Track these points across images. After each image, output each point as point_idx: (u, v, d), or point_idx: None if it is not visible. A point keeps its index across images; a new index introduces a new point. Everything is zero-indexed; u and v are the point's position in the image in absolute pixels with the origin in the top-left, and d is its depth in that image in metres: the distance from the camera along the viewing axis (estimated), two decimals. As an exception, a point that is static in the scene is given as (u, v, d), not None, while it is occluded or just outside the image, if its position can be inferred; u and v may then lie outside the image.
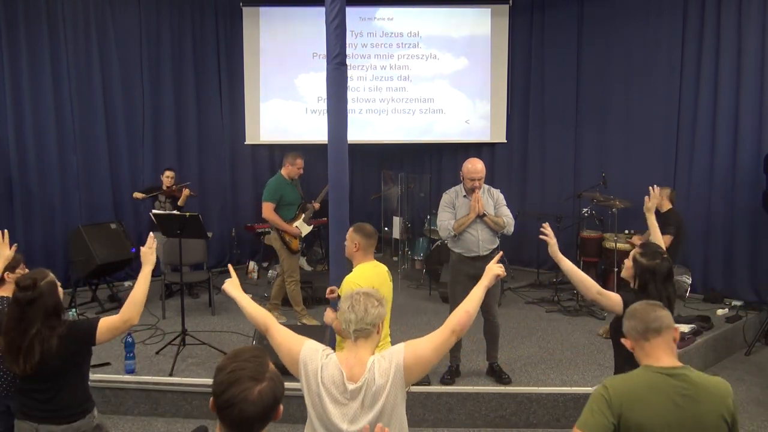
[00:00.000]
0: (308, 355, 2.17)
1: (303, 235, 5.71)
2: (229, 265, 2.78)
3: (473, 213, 4.30)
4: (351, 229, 3.33)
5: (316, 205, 6.02)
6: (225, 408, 1.39)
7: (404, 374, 2.13)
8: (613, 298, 2.91)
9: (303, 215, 5.74)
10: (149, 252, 2.75)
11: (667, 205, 5.91)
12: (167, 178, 6.73)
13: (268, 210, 5.53)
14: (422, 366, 2.18)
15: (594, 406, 2.03)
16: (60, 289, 2.65)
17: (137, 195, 6.74)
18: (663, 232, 5.88)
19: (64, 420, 2.60)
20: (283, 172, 5.67)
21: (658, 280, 2.81)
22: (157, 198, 6.73)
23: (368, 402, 2.09)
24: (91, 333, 2.60)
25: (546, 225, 3.19)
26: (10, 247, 3.04)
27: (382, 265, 3.38)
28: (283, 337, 2.25)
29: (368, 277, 3.17)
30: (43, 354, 2.48)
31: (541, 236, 3.18)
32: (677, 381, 2.01)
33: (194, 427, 2.25)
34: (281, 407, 1.49)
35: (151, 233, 2.88)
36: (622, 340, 2.17)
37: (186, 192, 6.73)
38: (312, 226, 5.92)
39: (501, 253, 2.57)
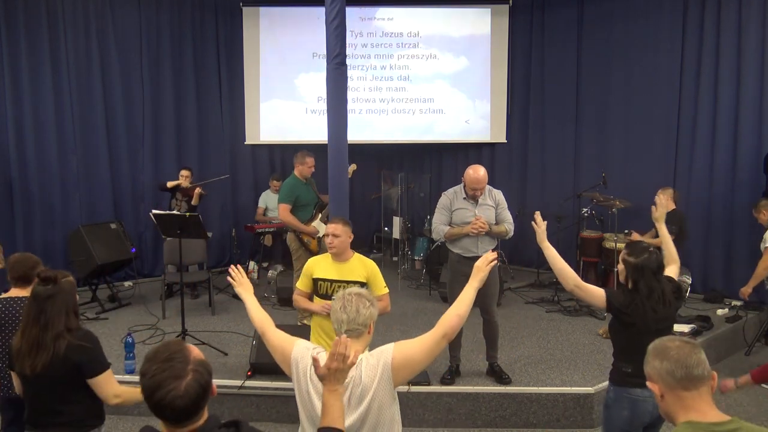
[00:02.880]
0: (299, 353, 2.21)
1: (321, 235, 5.65)
2: (234, 268, 2.69)
3: (468, 230, 4.33)
4: (342, 223, 3.47)
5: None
6: (157, 409, 1.47)
7: (392, 374, 2.11)
8: (594, 293, 2.91)
9: (320, 215, 5.69)
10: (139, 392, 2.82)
11: (671, 206, 5.92)
12: (182, 177, 6.74)
13: (284, 212, 5.48)
14: (411, 367, 2.15)
15: None
16: (77, 295, 2.63)
17: (171, 184, 6.73)
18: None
19: (70, 431, 2.56)
20: (296, 172, 5.63)
21: (647, 275, 2.81)
22: (174, 196, 6.77)
23: (355, 400, 2.09)
24: (95, 369, 2.53)
25: (537, 213, 3.18)
26: None
27: None
28: (278, 339, 2.31)
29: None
30: (53, 355, 2.44)
31: (532, 223, 3.19)
32: None
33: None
34: (214, 386, 1.58)
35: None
36: (648, 384, 1.75)
37: (198, 191, 6.72)
38: None
39: (495, 254, 2.56)
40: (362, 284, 3.38)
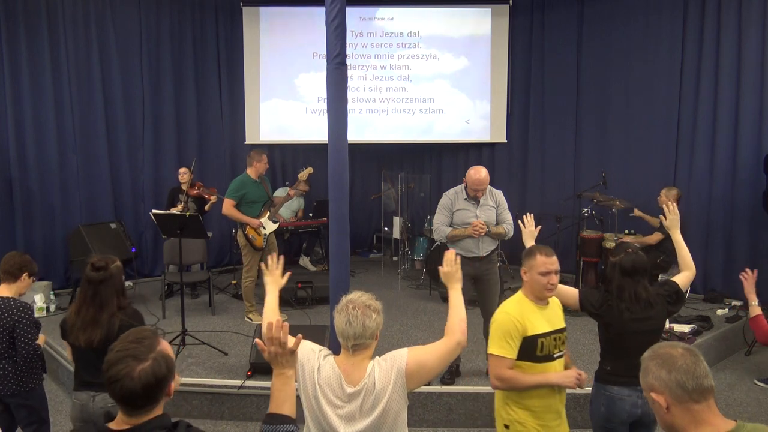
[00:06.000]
0: (305, 355, 2.13)
1: (267, 232, 5.76)
2: (273, 257, 2.55)
3: (469, 233, 4.34)
4: (554, 254, 2.75)
5: (292, 192, 6.26)
6: (110, 384, 1.52)
7: (405, 380, 2.08)
8: (568, 293, 2.94)
9: (268, 213, 5.79)
10: None
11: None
12: (182, 174, 6.65)
13: (227, 206, 5.66)
14: (425, 373, 2.13)
15: None
16: (123, 276, 2.95)
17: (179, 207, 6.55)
18: (657, 230, 5.95)
19: None
20: (250, 171, 5.77)
21: (618, 273, 2.83)
22: (178, 199, 6.61)
23: (368, 407, 2.05)
24: None
25: (528, 215, 3.21)
26: None
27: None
28: None
29: None
30: (109, 329, 2.75)
31: (519, 222, 3.20)
32: None
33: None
34: (172, 385, 1.60)
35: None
36: (653, 395, 1.60)
37: (213, 199, 6.58)
38: (277, 224, 5.95)
39: (452, 251, 2.58)
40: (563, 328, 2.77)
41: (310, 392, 2.09)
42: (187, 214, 5.62)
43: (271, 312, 2.36)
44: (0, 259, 3.26)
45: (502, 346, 2.56)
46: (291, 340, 1.75)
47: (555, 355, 2.67)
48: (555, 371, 2.64)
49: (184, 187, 6.60)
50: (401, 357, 2.10)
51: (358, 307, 2.07)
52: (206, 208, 6.63)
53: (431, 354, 2.14)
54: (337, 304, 2.14)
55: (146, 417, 1.56)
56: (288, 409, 1.74)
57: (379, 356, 2.15)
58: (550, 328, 2.64)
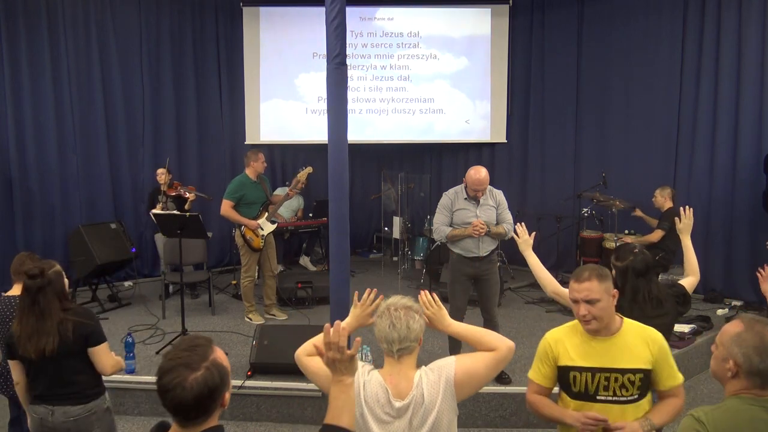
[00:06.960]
0: None
1: (265, 234, 5.75)
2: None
3: (470, 232, 4.34)
4: (597, 277, 2.27)
5: (291, 192, 6.17)
6: (162, 393, 1.48)
7: (455, 390, 2.00)
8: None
9: (266, 213, 5.79)
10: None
11: (668, 204, 5.97)
12: (159, 175, 6.65)
13: (224, 207, 5.64)
14: (475, 383, 2.04)
15: None
16: (65, 279, 2.80)
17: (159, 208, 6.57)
18: (657, 227, 5.99)
19: (81, 401, 2.73)
20: (248, 171, 5.76)
21: (631, 276, 2.83)
22: (157, 200, 6.65)
23: (417, 422, 1.97)
24: (98, 339, 2.76)
25: (520, 225, 3.28)
26: None
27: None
28: (318, 364, 1.99)
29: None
30: (62, 336, 2.63)
31: (513, 234, 3.31)
32: None
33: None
34: (227, 395, 1.55)
35: None
36: (730, 361, 1.73)
37: (191, 197, 6.61)
38: (275, 224, 5.94)
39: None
40: (645, 372, 2.24)
41: (356, 411, 1.97)
42: (187, 214, 5.62)
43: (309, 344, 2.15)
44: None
45: (533, 369, 2.46)
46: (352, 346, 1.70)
47: (599, 397, 2.25)
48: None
49: (163, 188, 6.59)
50: (449, 367, 2.02)
51: (400, 309, 2.03)
52: (186, 206, 6.61)
53: (480, 362, 2.05)
54: (377, 310, 2.09)
55: (200, 428, 1.51)
56: (346, 420, 1.65)
57: (425, 365, 2.08)
58: (594, 363, 2.25)
